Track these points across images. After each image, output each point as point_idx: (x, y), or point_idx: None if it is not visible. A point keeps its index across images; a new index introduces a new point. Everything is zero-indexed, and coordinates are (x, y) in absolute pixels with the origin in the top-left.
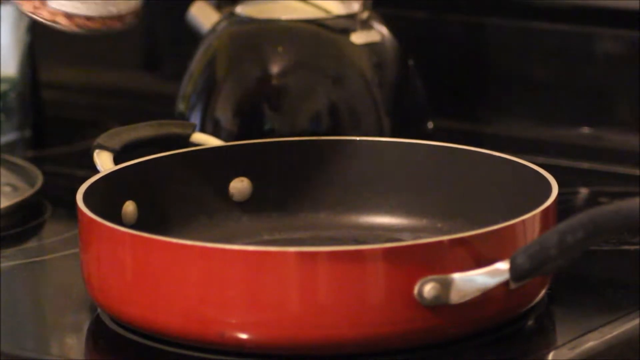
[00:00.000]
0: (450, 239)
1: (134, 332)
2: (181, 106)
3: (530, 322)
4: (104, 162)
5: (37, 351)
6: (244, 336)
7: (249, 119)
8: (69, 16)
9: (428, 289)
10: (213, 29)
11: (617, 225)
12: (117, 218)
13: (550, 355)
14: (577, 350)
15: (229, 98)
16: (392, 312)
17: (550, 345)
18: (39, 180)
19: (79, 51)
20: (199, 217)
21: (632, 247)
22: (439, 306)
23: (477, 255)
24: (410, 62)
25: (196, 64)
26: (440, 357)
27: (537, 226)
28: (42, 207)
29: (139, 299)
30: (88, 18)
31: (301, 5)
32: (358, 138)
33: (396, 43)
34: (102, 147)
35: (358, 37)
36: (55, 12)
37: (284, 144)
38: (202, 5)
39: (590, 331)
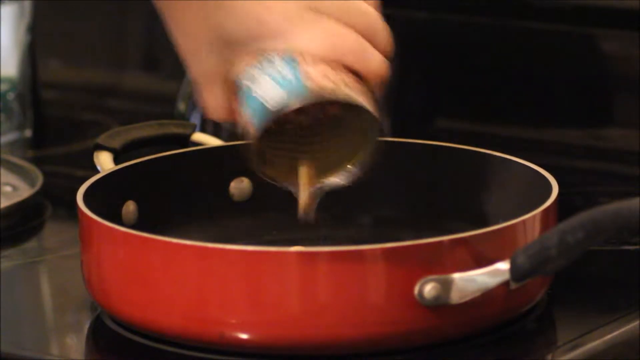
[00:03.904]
0: (450, 239)
1: (134, 332)
2: (181, 106)
3: (530, 322)
4: (104, 162)
5: (37, 351)
6: (244, 336)
7: None
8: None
9: (428, 289)
10: None
11: (617, 225)
12: (117, 218)
13: (550, 355)
14: (577, 350)
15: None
16: (393, 312)
17: (550, 345)
18: (39, 180)
19: (79, 51)
20: (199, 217)
21: (632, 247)
22: (439, 306)
23: (478, 255)
24: (411, 62)
25: None
26: (440, 357)
27: (537, 226)
28: (42, 207)
29: (139, 299)
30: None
31: None
32: None
33: (396, 43)
34: (102, 147)
35: None
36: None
37: None
38: None
39: (590, 331)
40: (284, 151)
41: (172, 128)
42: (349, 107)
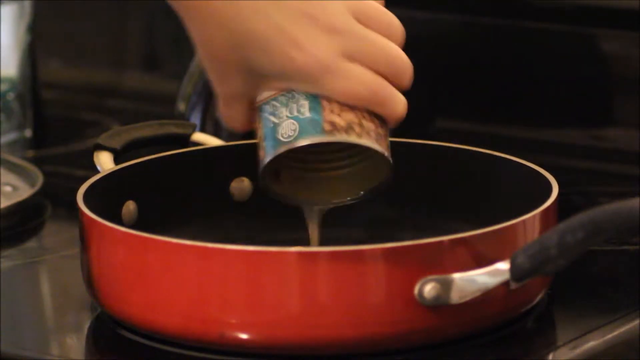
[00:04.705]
0: (450, 239)
1: (134, 332)
2: (181, 106)
3: (530, 322)
4: (104, 162)
5: (37, 351)
6: (244, 336)
7: None
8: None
9: (428, 289)
10: None
11: (617, 225)
12: (117, 218)
13: (550, 355)
14: (577, 350)
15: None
16: (392, 312)
17: (550, 345)
18: (39, 180)
19: (79, 51)
20: (199, 217)
21: (632, 247)
22: (439, 306)
23: (477, 255)
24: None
25: (196, 64)
26: (440, 357)
27: (537, 226)
28: (42, 207)
29: (139, 299)
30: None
31: None
32: None
33: None
34: (102, 147)
35: None
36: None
37: None
38: None
39: (590, 331)
40: (297, 170)
41: (172, 128)
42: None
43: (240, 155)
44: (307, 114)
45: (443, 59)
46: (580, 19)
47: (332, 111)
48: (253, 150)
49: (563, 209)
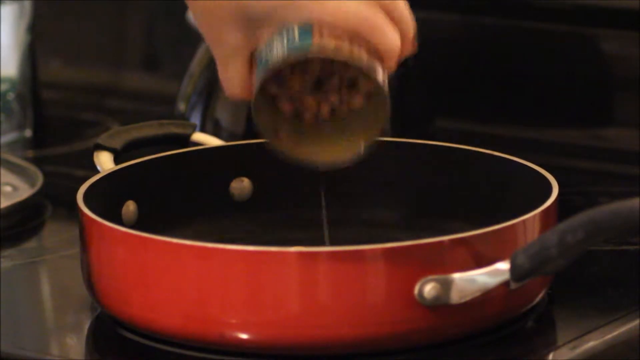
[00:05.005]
0: (450, 239)
1: (134, 332)
2: (181, 106)
3: (530, 322)
4: (104, 162)
5: (37, 351)
6: (244, 336)
7: (249, 119)
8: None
9: (428, 289)
10: None
11: (617, 225)
12: (117, 218)
13: (550, 355)
14: (577, 350)
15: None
16: (392, 312)
17: (550, 345)
18: (39, 180)
19: (79, 51)
20: (199, 217)
21: (632, 247)
22: (439, 306)
23: (477, 255)
24: (410, 62)
25: (196, 64)
26: (440, 357)
27: (537, 226)
28: (42, 207)
29: (139, 299)
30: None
31: None
32: None
33: None
34: (102, 147)
35: None
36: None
37: None
38: None
39: (590, 331)
40: (295, 127)
41: (172, 128)
42: (367, 90)
43: (240, 155)
44: (297, 40)
45: (443, 59)
46: (580, 19)
47: (321, 35)
48: (253, 150)
49: (563, 209)
